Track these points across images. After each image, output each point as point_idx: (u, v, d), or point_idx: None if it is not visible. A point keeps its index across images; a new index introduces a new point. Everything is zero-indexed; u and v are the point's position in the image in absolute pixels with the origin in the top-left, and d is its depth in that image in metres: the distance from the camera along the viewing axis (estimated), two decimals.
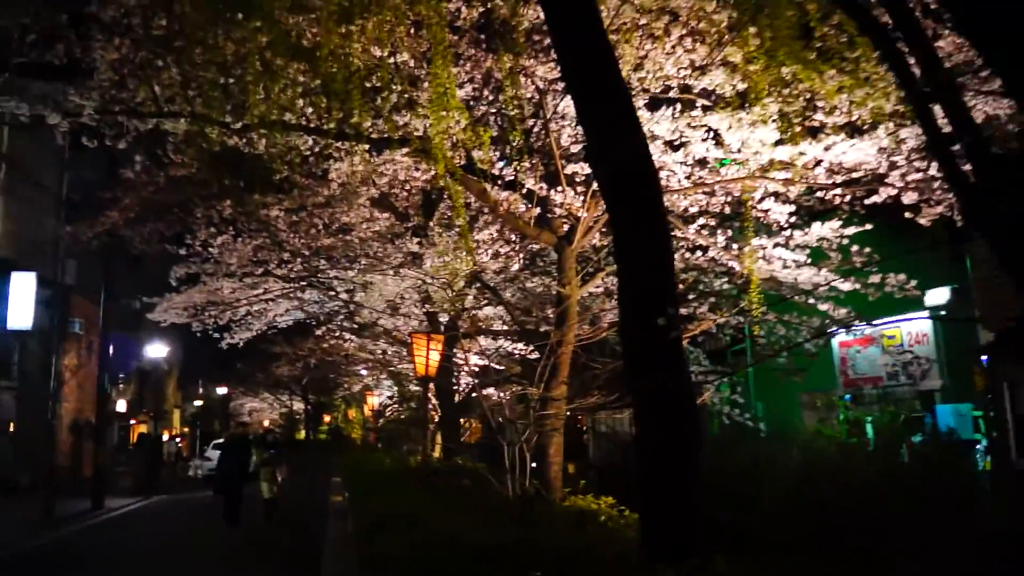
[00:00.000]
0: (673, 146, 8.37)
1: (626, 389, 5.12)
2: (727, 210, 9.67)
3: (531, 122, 8.21)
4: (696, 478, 4.89)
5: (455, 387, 16.15)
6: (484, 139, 7.43)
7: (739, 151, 8.32)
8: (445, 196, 9.44)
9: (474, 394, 17.90)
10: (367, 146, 7.79)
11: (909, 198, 9.01)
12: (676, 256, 10.77)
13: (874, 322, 13.54)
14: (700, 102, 7.72)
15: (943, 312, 13.20)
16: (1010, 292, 9.65)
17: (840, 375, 16.14)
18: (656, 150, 8.22)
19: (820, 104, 7.09)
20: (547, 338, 8.74)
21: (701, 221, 9.35)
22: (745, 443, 14.62)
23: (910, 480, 9.55)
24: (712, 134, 8.06)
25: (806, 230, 9.46)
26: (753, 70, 6.58)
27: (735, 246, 9.46)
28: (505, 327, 14.48)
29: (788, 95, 6.79)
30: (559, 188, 8.44)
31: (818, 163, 8.43)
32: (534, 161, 8.38)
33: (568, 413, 8.92)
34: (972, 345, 11.61)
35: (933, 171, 8.57)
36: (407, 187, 10.57)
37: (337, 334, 18.90)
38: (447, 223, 10.14)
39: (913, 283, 10.02)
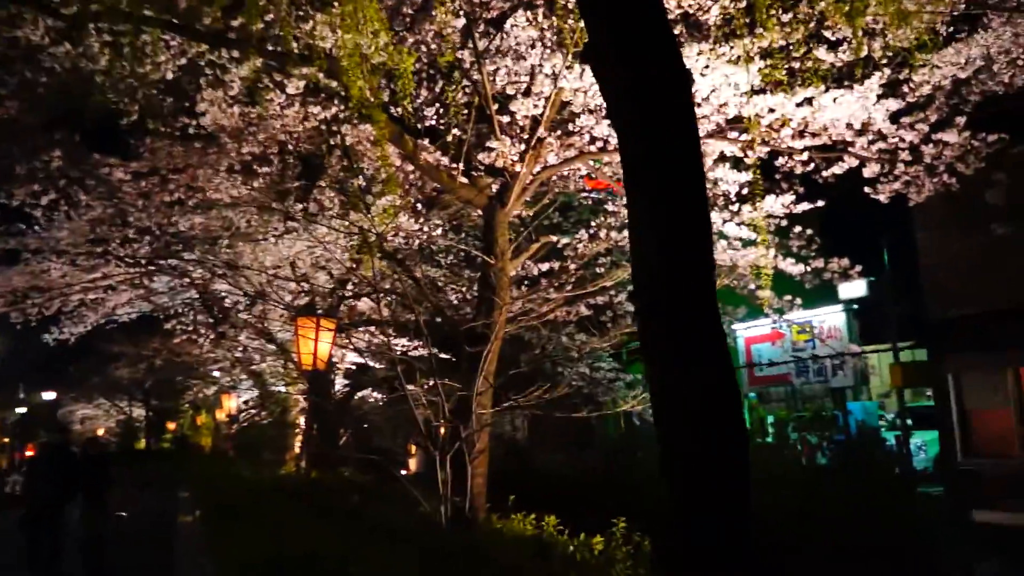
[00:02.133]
0: None
1: (646, 379, 3.64)
2: None
3: (460, 56, 6.62)
4: (748, 502, 3.51)
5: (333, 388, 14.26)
6: (406, 64, 5.79)
7: (705, 99, 7.12)
8: (338, 147, 7.65)
9: (359, 394, 16.02)
10: (256, 66, 5.95)
11: (871, 170, 8.17)
12: (602, 234, 9.52)
13: (786, 316, 12.88)
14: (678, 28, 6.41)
15: (855, 306, 12.92)
16: (956, 279, 8.87)
17: (746, 372, 15.60)
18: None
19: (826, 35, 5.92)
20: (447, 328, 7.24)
21: None
22: (643, 447, 13.72)
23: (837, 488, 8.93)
24: None
25: (757, 204, 8.40)
26: None
27: None
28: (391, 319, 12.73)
29: (792, 21, 5.58)
30: (489, 141, 6.93)
31: (784, 123, 7.40)
32: (464, 102, 6.80)
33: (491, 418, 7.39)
34: (889, 340, 11.27)
35: (903, 139, 7.84)
36: (291, 145, 8.65)
37: (191, 328, 16.42)
38: (339, 185, 8.33)
39: (858, 268, 9.28)
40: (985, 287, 9.03)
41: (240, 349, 17.20)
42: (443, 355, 8.06)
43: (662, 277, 3.59)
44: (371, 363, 15.90)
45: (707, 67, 6.29)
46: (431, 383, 6.98)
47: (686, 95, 3.71)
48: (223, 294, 14.74)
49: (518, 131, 6.85)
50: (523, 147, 6.71)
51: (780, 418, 13.63)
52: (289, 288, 10.41)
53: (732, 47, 6.09)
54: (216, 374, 23.84)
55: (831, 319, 13.31)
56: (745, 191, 8.27)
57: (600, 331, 12.25)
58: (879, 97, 6.92)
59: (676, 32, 6.46)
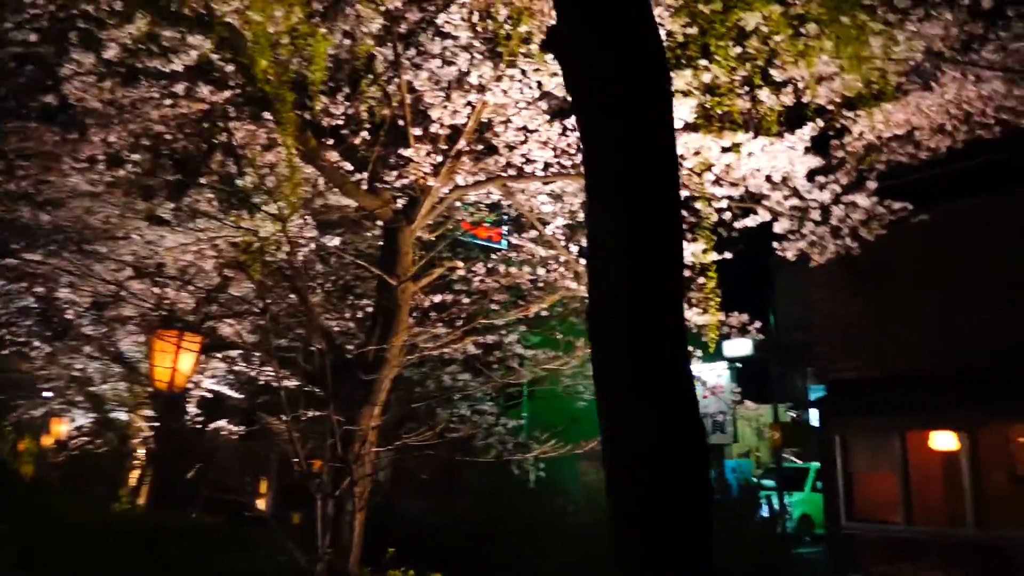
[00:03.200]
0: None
1: (597, 395, 3.12)
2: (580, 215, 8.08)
3: (380, 51, 5.97)
4: (711, 560, 2.96)
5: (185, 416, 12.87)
6: (319, 48, 5.10)
7: None
8: (223, 144, 6.77)
9: (212, 425, 14.64)
10: (142, 28, 5.05)
11: (782, 226, 8.09)
12: (500, 268, 8.99)
13: None
14: None
15: (739, 364, 13.01)
16: (846, 342, 8.86)
17: None
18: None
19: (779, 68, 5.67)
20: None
21: (560, 221, 7.63)
22: (518, 495, 13.18)
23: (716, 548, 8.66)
24: None
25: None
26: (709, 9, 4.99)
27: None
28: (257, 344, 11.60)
29: (738, 57, 5.28)
30: (396, 154, 6.28)
31: (707, 167, 7.16)
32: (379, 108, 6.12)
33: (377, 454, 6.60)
34: (768, 398, 11.36)
35: (815, 198, 7.80)
36: (169, 136, 7.61)
37: (23, 340, 14.52)
38: (220, 186, 7.37)
39: (757, 324, 9.16)
40: (875, 351, 9.13)
41: (79, 367, 15.40)
42: (316, 388, 7.22)
43: (624, 297, 3.05)
44: (228, 391, 14.58)
45: None
46: (309, 415, 6.14)
47: (667, 85, 3.24)
48: (66, 304, 13.10)
49: (432, 143, 6.23)
50: (439, 159, 6.09)
51: None
52: (147, 299, 9.20)
53: (673, 77, 5.75)
54: (48, 395, 21.42)
55: (712, 376, 13.39)
56: None
57: (487, 372, 11.67)
58: (806, 150, 6.80)
59: None
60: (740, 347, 12.85)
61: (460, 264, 7.42)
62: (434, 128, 6.22)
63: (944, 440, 8.93)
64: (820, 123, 6.40)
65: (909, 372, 8.79)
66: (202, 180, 6.96)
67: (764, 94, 5.79)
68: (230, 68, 5.97)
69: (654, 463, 2.90)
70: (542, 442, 10.92)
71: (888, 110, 5.68)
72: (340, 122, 6.12)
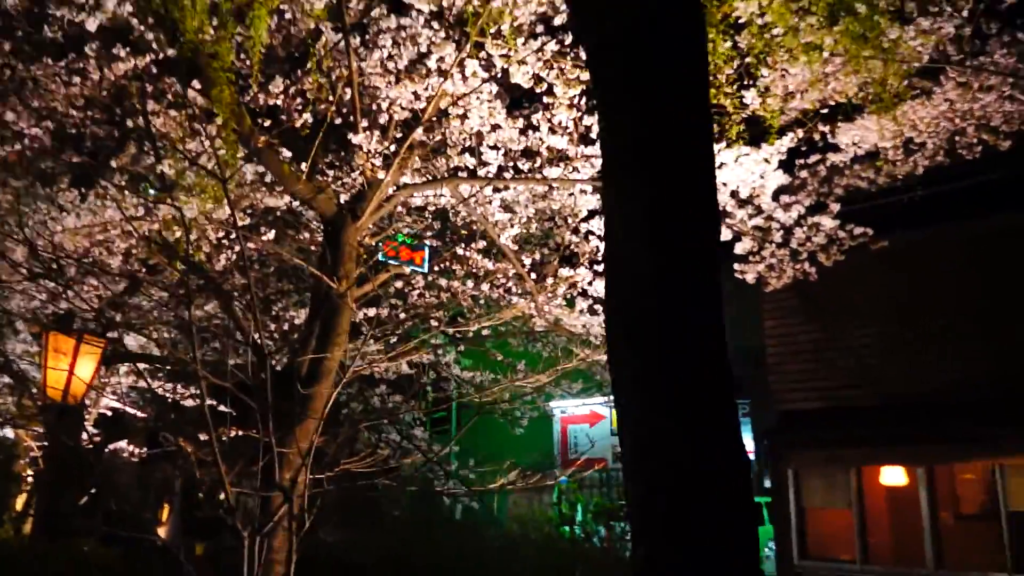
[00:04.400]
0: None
1: (614, 395, 2.55)
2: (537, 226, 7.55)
3: (329, 24, 5.30)
4: None
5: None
6: (260, 11, 4.42)
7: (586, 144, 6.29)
8: (139, 123, 5.93)
9: (111, 446, 13.39)
10: None
11: (743, 246, 7.75)
12: (442, 283, 8.37)
13: (606, 398, 12.33)
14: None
15: None
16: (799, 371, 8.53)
17: (559, 455, 14.79)
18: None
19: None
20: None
21: (514, 231, 7.05)
22: (445, 529, 12.52)
23: None
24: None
25: None
26: None
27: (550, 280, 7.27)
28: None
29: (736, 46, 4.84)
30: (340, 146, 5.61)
31: None
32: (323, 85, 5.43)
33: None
34: None
35: (779, 218, 7.49)
36: (75, 114, 6.70)
37: None
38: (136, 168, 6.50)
39: None
40: (829, 381, 8.86)
41: None
42: (247, 402, 6.41)
43: (653, 290, 2.49)
44: (131, 410, 13.37)
45: None
46: (232, 435, 5.35)
47: (703, 38, 2.73)
48: None
49: (382, 133, 5.58)
50: (392, 147, 5.43)
51: (600, 507, 12.91)
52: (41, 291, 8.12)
53: None
54: None
55: None
56: None
57: (418, 394, 10.98)
58: (780, 164, 6.45)
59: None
60: None
61: (407, 269, 6.73)
62: (384, 120, 5.57)
63: (895, 475, 8.68)
64: (800, 133, 6.04)
65: (864, 404, 8.53)
66: (113, 164, 6.10)
67: (750, 96, 5.37)
68: (151, 36, 5.20)
69: (691, 494, 2.32)
70: (479, 474, 10.24)
71: (886, 117, 5.34)
72: (279, 102, 5.42)
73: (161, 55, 4.99)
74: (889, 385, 8.57)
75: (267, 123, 5.31)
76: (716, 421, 2.41)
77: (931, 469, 8.14)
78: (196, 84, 5.06)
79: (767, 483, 10.53)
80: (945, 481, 8.34)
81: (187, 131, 5.44)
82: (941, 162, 7.04)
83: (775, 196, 7.21)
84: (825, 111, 5.78)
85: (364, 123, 5.55)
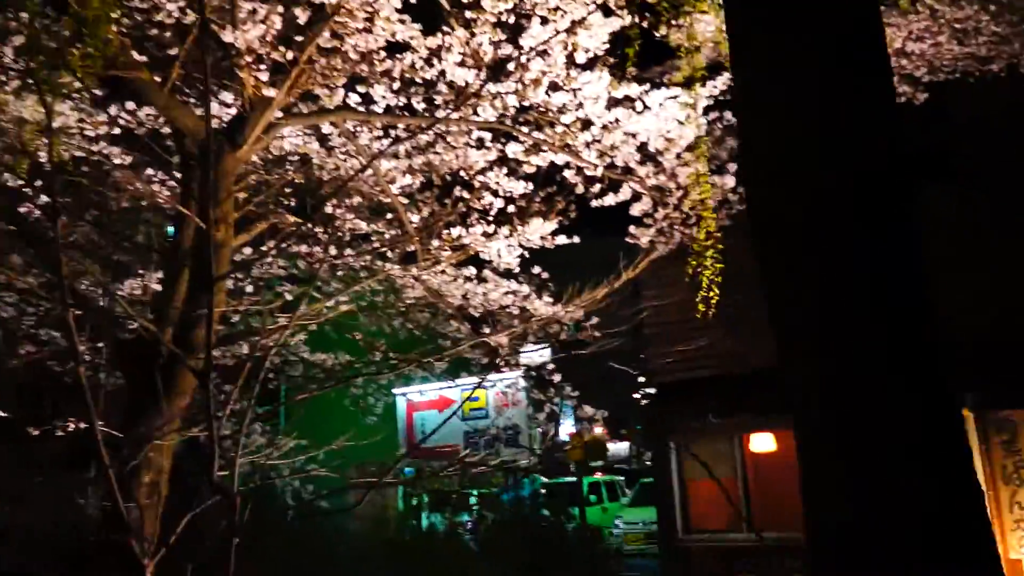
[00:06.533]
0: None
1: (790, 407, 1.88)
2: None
3: None
4: None
5: None
6: None
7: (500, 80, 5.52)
8: None
9: None
10: None
11: (640, 207, 7.30)
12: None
13: (454, 381, 11.69)
14: None
15: (535, 374, 12.08)
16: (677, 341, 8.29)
17: (404, 443, 13.68)
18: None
19: None
20: None
21: (406, 180, 6.14)
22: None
23: None
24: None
25: (521, 227, 6.90)
26: None
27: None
28: None
29: None
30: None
31: (588, 124, 6.09)
32: None
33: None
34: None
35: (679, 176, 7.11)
36: None
37: None
38: None
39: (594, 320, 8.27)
40: (707, 351, 8.66)
41: None
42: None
43: (818, 194, 1.86)
44: None
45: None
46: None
47: None
48: None
49: (271, 44, 4.46)
50: (286, 59, 4.34)
51: (440, 494, 12.20)
52: None
53: None
54: None
55: (512, 386, 12.38)
56: (512, 208, 6.77)
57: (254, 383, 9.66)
58: (706, 109, 6.04)
59: None
60: (540, 355, 12.01)
61: (291, 218, 5.61)
62: (273, 25, 4.46)
63: (764, 442, 8.68)
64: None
65: (738, 372, 8.40)
66: None
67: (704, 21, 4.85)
68: None
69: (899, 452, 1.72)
70: (313, 460, 9.15)
71: None
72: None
73: None
74: (760, 356, 8.48)
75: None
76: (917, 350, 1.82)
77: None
78: None
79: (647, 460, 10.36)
80: None
81: None
82: None
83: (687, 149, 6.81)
84: None
85: (246, 12, 4.36)
